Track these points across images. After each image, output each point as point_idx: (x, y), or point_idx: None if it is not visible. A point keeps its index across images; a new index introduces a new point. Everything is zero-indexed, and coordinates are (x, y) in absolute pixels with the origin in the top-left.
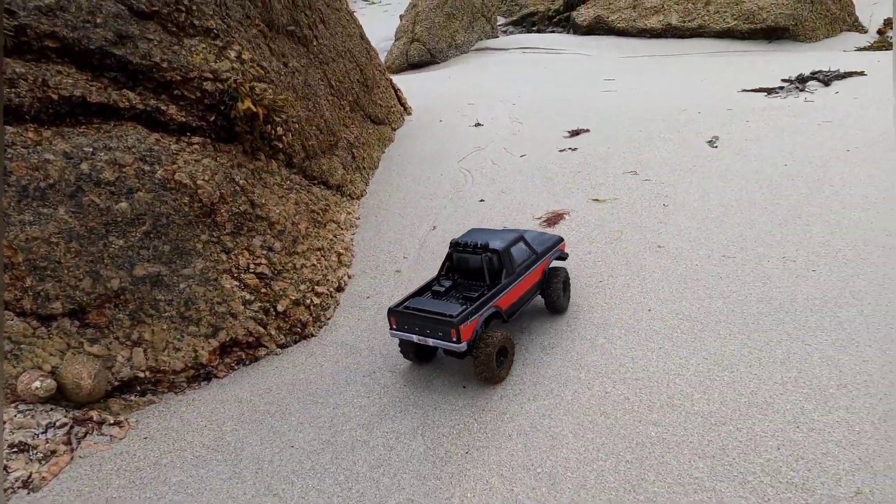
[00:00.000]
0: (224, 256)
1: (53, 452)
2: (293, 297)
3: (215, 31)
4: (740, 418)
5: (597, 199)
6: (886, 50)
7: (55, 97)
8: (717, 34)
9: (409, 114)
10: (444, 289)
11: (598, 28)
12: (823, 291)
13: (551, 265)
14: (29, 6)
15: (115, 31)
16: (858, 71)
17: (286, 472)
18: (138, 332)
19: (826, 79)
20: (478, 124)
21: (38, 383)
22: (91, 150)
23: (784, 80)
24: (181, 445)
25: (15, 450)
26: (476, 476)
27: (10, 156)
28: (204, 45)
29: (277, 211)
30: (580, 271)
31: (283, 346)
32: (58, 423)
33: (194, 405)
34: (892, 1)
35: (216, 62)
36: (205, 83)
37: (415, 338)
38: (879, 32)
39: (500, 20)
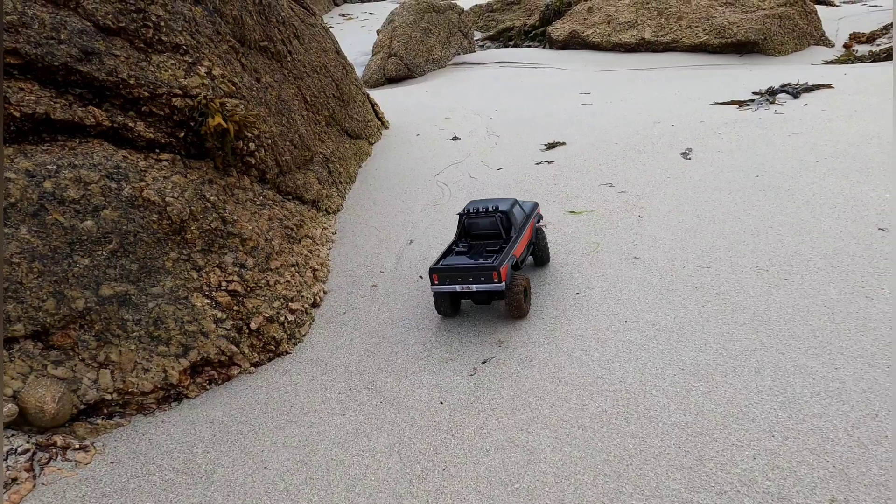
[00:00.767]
0: (195, 274)
1: (15, 480)
2: (267, 315)
3: (184, 47)
4: (716, 428)
5: (573, 212)
6: (852, 63)
7: (17, 115)
8: (689, 48)
9: (387, 128)
10: (466, 249)
11: (573, 42)
12: (796, 300)
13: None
14: None
15: (80, 48)
16: (826, 84)
17: (259, 494)
18: (105, 354)
19: (795, 92)
20: (455, 138)
21: None
22: (55, 167)
23: (755, 93)
24: (150, 469)
25: None
26: (454, 493)
27: None
28: (173, 62)
29: (250, 227)
30: (558, 283)
31: (256, 365)
32: (19, 450)
33: (164, 427)
34: (891, 10)
35: (185, 78)
36: (174, 99)
37: (458, 287)
38: (845, 46)
39: (477, 35)
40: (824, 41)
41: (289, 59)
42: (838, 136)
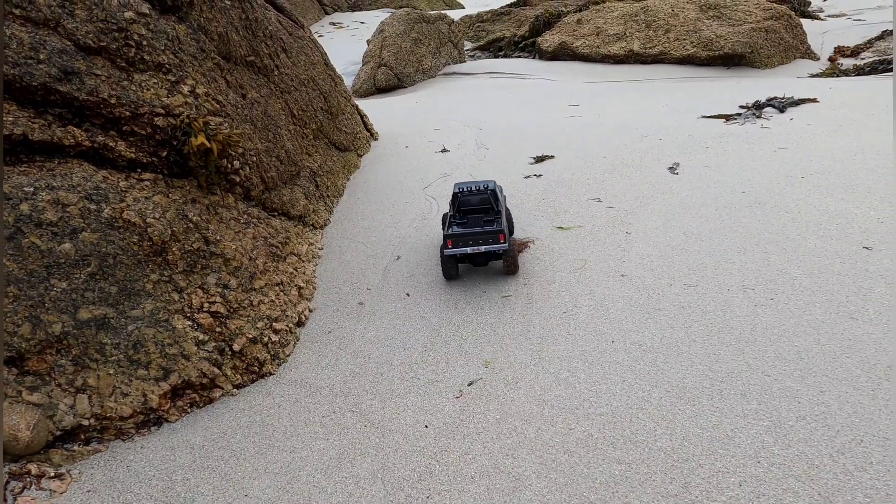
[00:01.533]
0: (176, 296)
1: None
2: (250, 336)
3: (167, 66)
4: (702, 454)
5: (561, 227)
6: (837, 77)
7: None
8: (677, 60)
9: (376, 139)
10: (465, 221)
11: (562, 54)
12: (782, 320)
13: None
14: None
15: (60, 67)
16: (811, 98)
17: None
18: (82, 378)
19: (781, 106)
20: (444, 150)
21: None
22: (32, 189)
23: (742, 107)
24: (127, 498)
25: None
26: None
27: None
28: (155, 81)
29: (233, 247)
30: (545, 301)
31: (239, 387)
32: None
33: (143, 453)
34: (875, 25)
35: (168, 97)
36: (156, 119)
37: (469, 249)
38: (830, 60)
39: (468, 45)
40: (810, 54)
41: (276, 73)
42: (823, 151)
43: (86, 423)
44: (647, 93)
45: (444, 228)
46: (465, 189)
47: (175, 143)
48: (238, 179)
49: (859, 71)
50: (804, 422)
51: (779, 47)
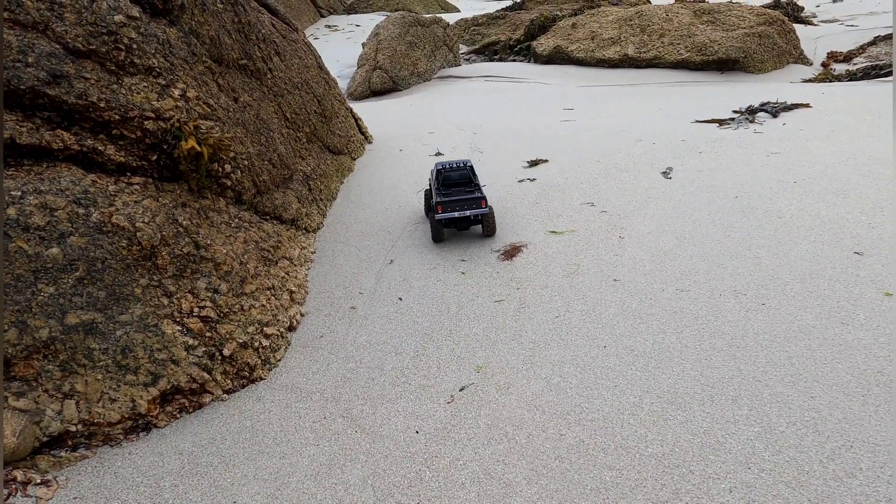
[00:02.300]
0: (165, 301)
1: None
2: (240, 340)
3: (157, 70)
4: (693, 460)
5: (554, 232)
6: (830, 82)
7: None
8: (671, 65)
9: (370, 142)
10: (450, 191)
11: (557, 58)
12: (773, 326)
13: None
14: None
15: (49, 71)
16: (804, 103)
17: None
18: (70, 384)
19: (774, 110)
20: (438, 153)
21: None
22: (19, 193)
23: (735, 112)
24: None
25: None
26: None
27: None
28: (145, 84)
29: (224, 251)
30: (538, 305)
31: (229, 392)
32: None
33: (131, 459)
34: (867, 30)
35: (158, 101)
36: (146, 122)
37: (456, 214)
38: (823, 65)
39: (463, 48)
40: (803, 60)
41: (269, 76)
42: (815, 156)
43: (73, 428)
44: (641, 97)
45: (427, 202)
46: (447, 166)
47: (165, 146)
48: (229, 183)
49: (852, 76)
50: (795, 427)
51: (772, 52)
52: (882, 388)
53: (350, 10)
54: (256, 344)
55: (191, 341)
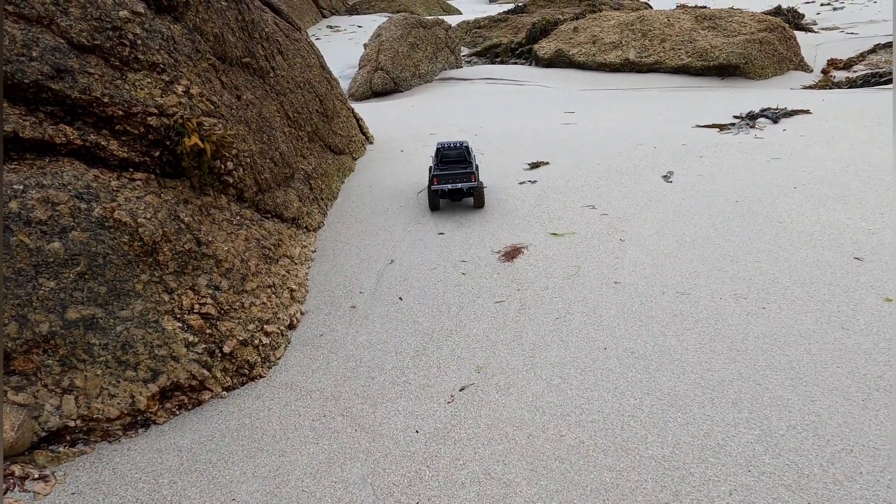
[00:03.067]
0: (166, 297)
1: None
2: (241, 338)
3: (161, 66)
4: (693, 462)
5: (555, 234)
6: (830, 89)
7: None
8: (672, 70)
9: (371, 143)
10: (446, 168)
11: (559, 61)
12: (773, 329)
13: None
14: None
15: (53, 65)
16: (805, 109)
17: None
18: (69, 379)
19: (774, 116)
20: None
21: None
22: (22, 187)
23: (736, 117)
24: (113, 501)
25: None
26: None
27: None
28: (149, 80)
29: (226, 248)
30: (538, 307)
31: (228, 389)
32: None
33: (129, 455)
34: (867, 38)
35: (162, 97)
36: (149, 118)
37: (448, 186)
38: (823, 72)
39: (464, 51)
40: (803, 66)
41: (272, 75)
42: (816, 162)
43: (72, 424)
44: (642, 101)
45: (430, 173)
46: (446, 146)
47: (168, 143)
48: (231, 181)
49: (852, 84)
50: (795, 431)
51: (773, 59)
52: (882, 393)
53: (352, 11)
54: (257, 342)
55: (191, 338)
